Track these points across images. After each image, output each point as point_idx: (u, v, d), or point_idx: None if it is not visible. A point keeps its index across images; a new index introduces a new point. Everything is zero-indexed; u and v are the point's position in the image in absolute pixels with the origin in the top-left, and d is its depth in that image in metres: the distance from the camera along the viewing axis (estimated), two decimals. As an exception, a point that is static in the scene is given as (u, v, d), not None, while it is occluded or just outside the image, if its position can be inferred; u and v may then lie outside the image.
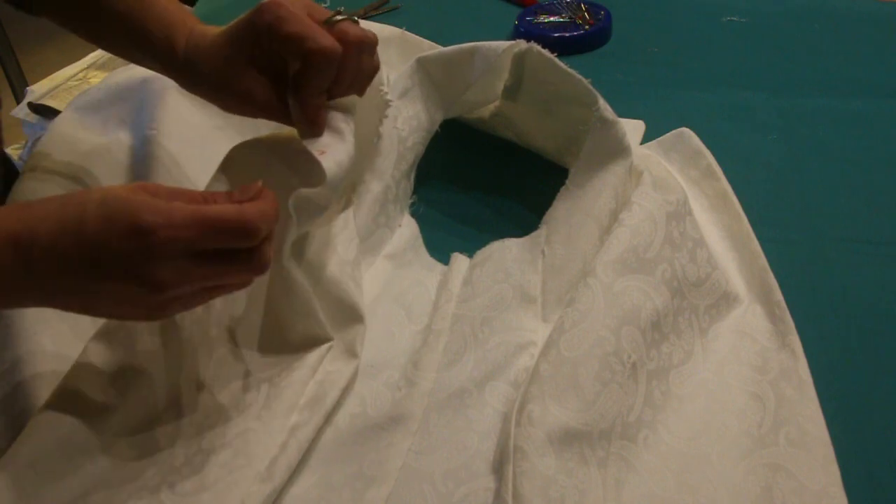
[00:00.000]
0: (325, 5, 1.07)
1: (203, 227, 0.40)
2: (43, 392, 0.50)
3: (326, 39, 0.47)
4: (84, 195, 0.41)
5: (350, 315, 0.56)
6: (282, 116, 0.51)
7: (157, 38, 0.54)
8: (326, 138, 0.50)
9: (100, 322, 0.56)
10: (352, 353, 0.54)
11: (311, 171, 0.48)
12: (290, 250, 0.55)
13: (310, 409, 0.51)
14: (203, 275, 0.42)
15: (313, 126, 0.50)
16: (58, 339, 0.54)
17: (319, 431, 0.51)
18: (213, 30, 0.53)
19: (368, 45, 0.50)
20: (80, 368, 0.49)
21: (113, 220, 0.39)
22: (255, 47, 0.50)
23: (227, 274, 0.43)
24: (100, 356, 0.50)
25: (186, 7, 0.57)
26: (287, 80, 0.50)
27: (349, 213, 0.62)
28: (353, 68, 0.50)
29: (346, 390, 0.53)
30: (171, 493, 0.46)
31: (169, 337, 0.53)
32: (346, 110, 0.52)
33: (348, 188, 0.65)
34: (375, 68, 0.53)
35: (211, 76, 0.52)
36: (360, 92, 0.53)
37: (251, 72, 0.50)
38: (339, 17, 0.49)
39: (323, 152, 0.48)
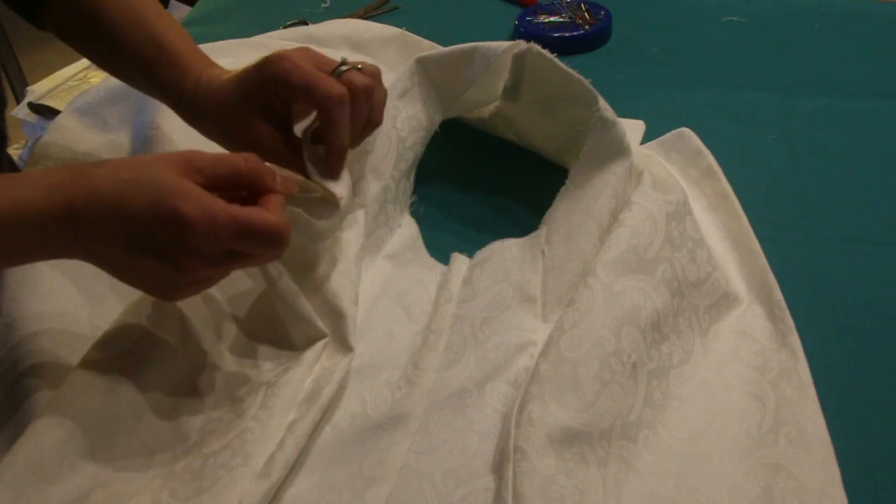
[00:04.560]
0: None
1: (240, 233, 0.43)
2: (43, 392, 0.50)
3: (334, 87, 0.49)
4: (135, 172, 0.43)
5: (336, 309, 0.56)
6: (287, 162, 0.53)
7: (166, 79, 0.56)
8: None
9: (100, 322, 0.56)
10: (345, 346, 0.54)
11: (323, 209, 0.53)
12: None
13: (307, 405, 0.51)
14: (229, 266, 0.46)
15: (333, 167, 0.52)
16: (58, 339, 0.54)
17: (319, 431, 0.51)
18: (223, 73, 0.54)
19: (371, 91, 0.52)
20: (81, 372, 0.49)
21: (158, 208, 0.42)
22: (262, 97, 0.52)
23: (245, 266, 0.48)
24: (99, 362, 0.50)
25: (198, 49, 0.58)
26: (290, 125, 0.53)
27: (360, 213, 0.62)
28: (362, 115, 0.52)
29: (342, 385, 0.53)
30: (172, 499, 0.46)
31: (168, 343, 0.53)
32: None
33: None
34: (379, 121, 0.55)
35: (219, 121, 0.54)
36: (357, 141, 0.55)
37: (258, 119, 0.52)
38: (344, 68, 0.51)
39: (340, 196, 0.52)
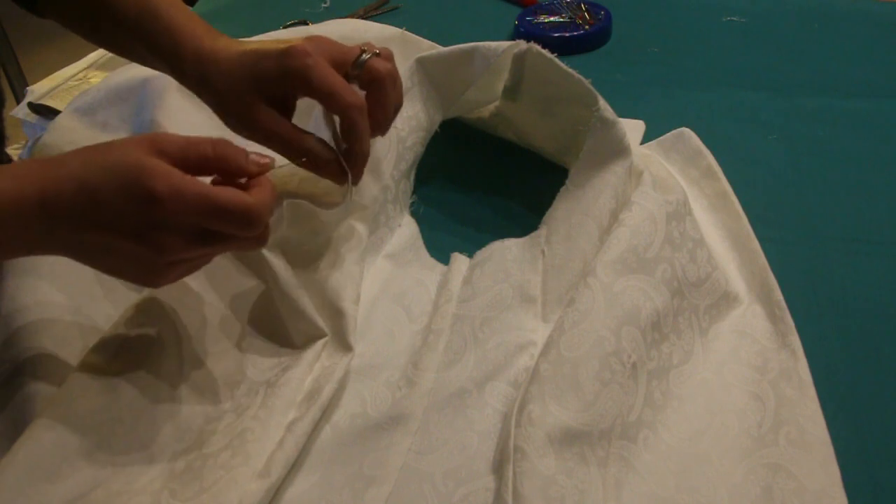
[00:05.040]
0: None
1: (208, 209, 0.43)
2: (43, 393, 0.50)
3: (354, 97, 0.50)
4: (104, 156, 0.43)
5: (337, 309, 0.56)
6: (282, 148, 0.52)
7: (165, 47, 0.55)
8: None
9: (101, 322, 0.56)
10: (345, 346, 0.55)
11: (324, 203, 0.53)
12: (280, 251, 0.56)
13: (307, 404, 0.51)
14: (203, 247, 0.45)
15: (356, 170, 0.53)
16: (58, 339, 0.54)
17: (319, 431, 0.51)
18: (228, 44, 0.54)
19: (397, 76, 0.53)
20: (80, 373, 0.49)
21: (128, 187, 0.42)
22: (274, 86, 0.51)
23: (225, 249, 0.47)
24: (99, 362, 0.50)
25: (198, 17, 0.57)
26: (291, 113, 0.53)
27: (364, 214, 0.62)
28: (390, 103, 0.53)
29: (342, 384, 0.53)
30: (172, 499, 0.46)
31: (167, 344, 0.53)
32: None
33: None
34: (401, 102, 0.55)
35: (221, 94, 0.53)
36: (386, 129, 0.55)
37: (262, 103, 0.52)
38: (366, 56, 0.52)
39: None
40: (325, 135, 0.53)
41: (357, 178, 0.54)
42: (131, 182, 0.42)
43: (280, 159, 0.51)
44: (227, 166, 0.46)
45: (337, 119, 0.52)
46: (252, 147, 0.49)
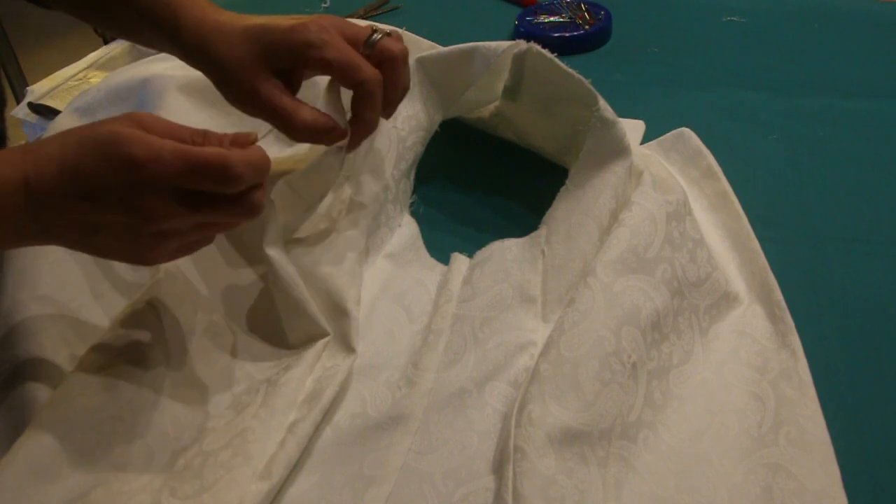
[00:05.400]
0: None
1: (187, 166, 0.42)
2: (43, 392, 0.50)
3: (370, 69, 0.50)
4: (80, 133, 0.43)
5: (341, 309, 0.56)
6: (281, 122, 0.51)
7: (163, 17, 0.54)
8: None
9: (100, 321, 0.56)
10: (348, 347, 0.54)
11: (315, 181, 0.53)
12: (283, 247, 0.56)
13: (308, 406, 0.51)
14: (190, 211, 0.44)
15: (358, 141, 0.54)
16: (58, 338, 0.54)
17: (319, 431, 0.51)
18: (232, 18, 0.53)
19: (407, 56, 0.53)
20: (80, 372, 0.49)
21: (107, 155, 0.42)
22: (282, 60, 0.51)
23: (213, 214, 0.45)
24: (98, 361, 0.50)
25: None
26: (295, 88, 0.53)
27: (363, 213, 0.62)
28: (400, 83, 0.53)
29: (344, 386, 0.53)
30: (172, 497, 0.46)
31: (167, 342, 0.53)
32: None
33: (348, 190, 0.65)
34: (409, 84, 0.55)
35: (220, 65, 0.52)
36: (392, 111, 0.55)
37: (265, 75, 0.51)
38: (377, 36, 0.52)
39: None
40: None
41: (353, 148, 0.54)
42: (109, 150, 0.41)
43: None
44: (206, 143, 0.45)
45: (344, 95, 0.52)
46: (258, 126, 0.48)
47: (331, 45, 0.49)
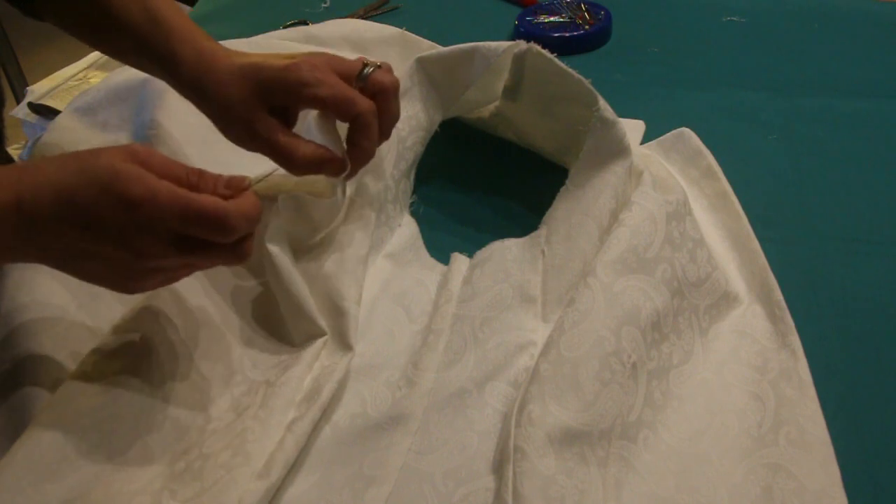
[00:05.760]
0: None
1: (184, 214, 0.43)
2: (43, 392, 0.50)
3: (365, 102, 0.52)
4: (81, 162, 0.43)
5: (338, 308, 0.56)
6: (278, 157, 0.52)
7: (162, 53, 0.55)
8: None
9: (101, 322, 0.56)
10: (345, 345, 0.55)
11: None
12: (285, 245, 0.56)
13: (307, 404, 0.51)
14: (181, 254, 0.45)
15: (356, 169, 0.55)
16: (58, 339, 0.54)
17: (319, 431, 0.51)
18: (229, 55, 0.54)
19: (398, 87, 0.55)
20: (80, 373, 0.49)
21: (104, 190, 0.42)
22: (276, 98, 0.52)
23: (203, 259, 0.47)
24: (99, 362, 0.51)
25: (194, 24, 0.58)
26: (291, 124, 0.55)
27: (371, 215, 0.62)
28: (392, 113, 0.55)
29: (342, 384, 0.53)
30: (171, 499, 0.46)
31: (166, 343, 0.53)
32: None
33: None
34: (399, 113, 0.57)
35: (218, 103, 0.54)
36: (386, 138, 0.57)
37: (261, 113, 0.52)
38: (369, 70, 0.53)
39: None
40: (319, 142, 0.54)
41: (352, 176, 0.56)
42: (107, 186, 0.42)
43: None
44: (199, 188, 0.46)
45: (340, 127, 0.53)
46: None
47: (324, 83, 0.51)
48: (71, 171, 0.43)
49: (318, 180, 0.55)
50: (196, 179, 0.45)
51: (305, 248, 0.58)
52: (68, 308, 0.56)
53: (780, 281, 0.59)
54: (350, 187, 0.65)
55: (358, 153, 0.54)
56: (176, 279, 0.49)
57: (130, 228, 0.42)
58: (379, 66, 0.54)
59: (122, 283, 0.47)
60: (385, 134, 0.56)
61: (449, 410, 0.52)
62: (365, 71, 0.53)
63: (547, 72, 0.64)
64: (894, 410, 0.52)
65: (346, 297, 0.56)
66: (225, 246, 0.45)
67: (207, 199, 0.43)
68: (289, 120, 0.55)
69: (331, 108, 0.52)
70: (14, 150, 1.07)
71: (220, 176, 0.46)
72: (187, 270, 0.49)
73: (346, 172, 0.54)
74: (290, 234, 0.58)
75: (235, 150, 0.54)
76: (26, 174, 0.43)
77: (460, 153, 0.77)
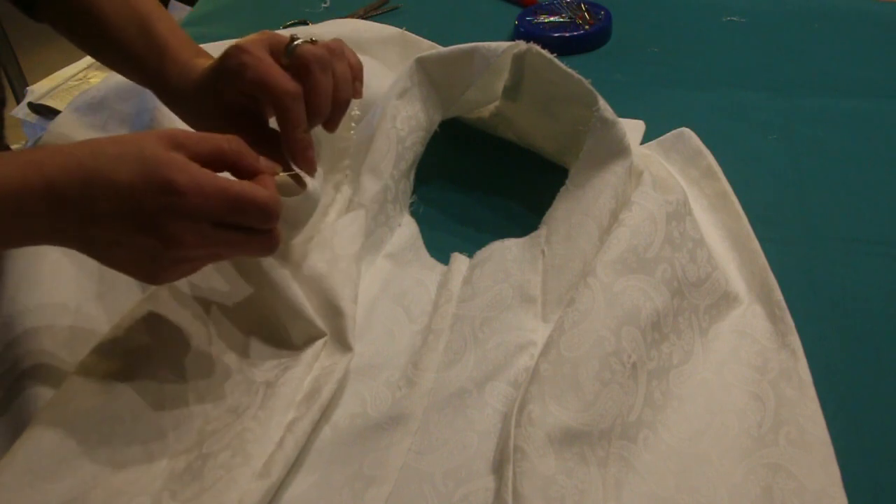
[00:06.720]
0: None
1: (230, 202, 0.43)
2: (43, 392, 0.50)
3: (286, 82, 0.49)
4: (121, 147, 0.43)
5: (335, 308, 0.56)
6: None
7: (154, 70, 0.56)
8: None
9: (101, 321, 0.56)
10: (344, 345, 0.54)
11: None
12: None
13: (306, 404, 0.51)
14: (218, 243, 0.45)
15: (302, 162, 0.52)
16: (58, 338, 0.54)
17: (319, 431, 0.51)
18: (203, 63, 0.55)
19: (328, 61, 0.51)
20: (79, 374, 0.49)
21: (147, 176, 0.42)
22: (227, 90, 0.52)
23: (239, 248, 0.47)
24: (99, 362, 0.50)
25: (190, 40, 0.59)
26: (262, 118, 0.54)
27: (361, 212, 0.62)
28: (321, 89, 0.51)
29: (342, 384, 0.53)
30: (171, 500, 0.46)
31: (166, 344, 0.53)
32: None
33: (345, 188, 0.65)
34: (349, 94, 0.53)
35: (191, 110, 0.55)
36: (335, 125, 0.54)
37: (223, 110, 0.53)
38: (296, 42, 0.51)
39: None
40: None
41: (311, 169, 0.52)
42: (150, 173, 0.42)
43: None
44: (241, 162, 0.46)
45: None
46: None
47: (249, 65, 0.49)
48: (106, 157, 0.42)
49: (288, 182, 0.53)
50: (237, 146, 0.46)
51: (297, 249, 0.58)
52: (69, 310, 0.56)
53: (780, 281, 0.59)
54: (350, 187, 0.65)
55: (289, 144, 0.51)
56: (197, 269, 0.49)
57: (169, 216, 0.42)
58: (312, 41, 0.51)
59: (149, 272, 0.46)
60: (319, 113, 0.51)
61: (449, 410, 0.52)
62: (291, 45, 0.50)
63: (547, 72, 0.64)
64: (894, 410, 0.52)
65: (342, 296, 0.56)
66: (257, 235, 0.46)
67: (250, 188, 0.44)
68: (256, 111, 0.54)
69: (256, 94, 0.50)
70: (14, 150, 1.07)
71: (255, 154, 0.47)
72: (210, 261, 0.49)
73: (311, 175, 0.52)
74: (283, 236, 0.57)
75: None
76: (55, 157, 0.42)
77: (460, 153, 0.77)
